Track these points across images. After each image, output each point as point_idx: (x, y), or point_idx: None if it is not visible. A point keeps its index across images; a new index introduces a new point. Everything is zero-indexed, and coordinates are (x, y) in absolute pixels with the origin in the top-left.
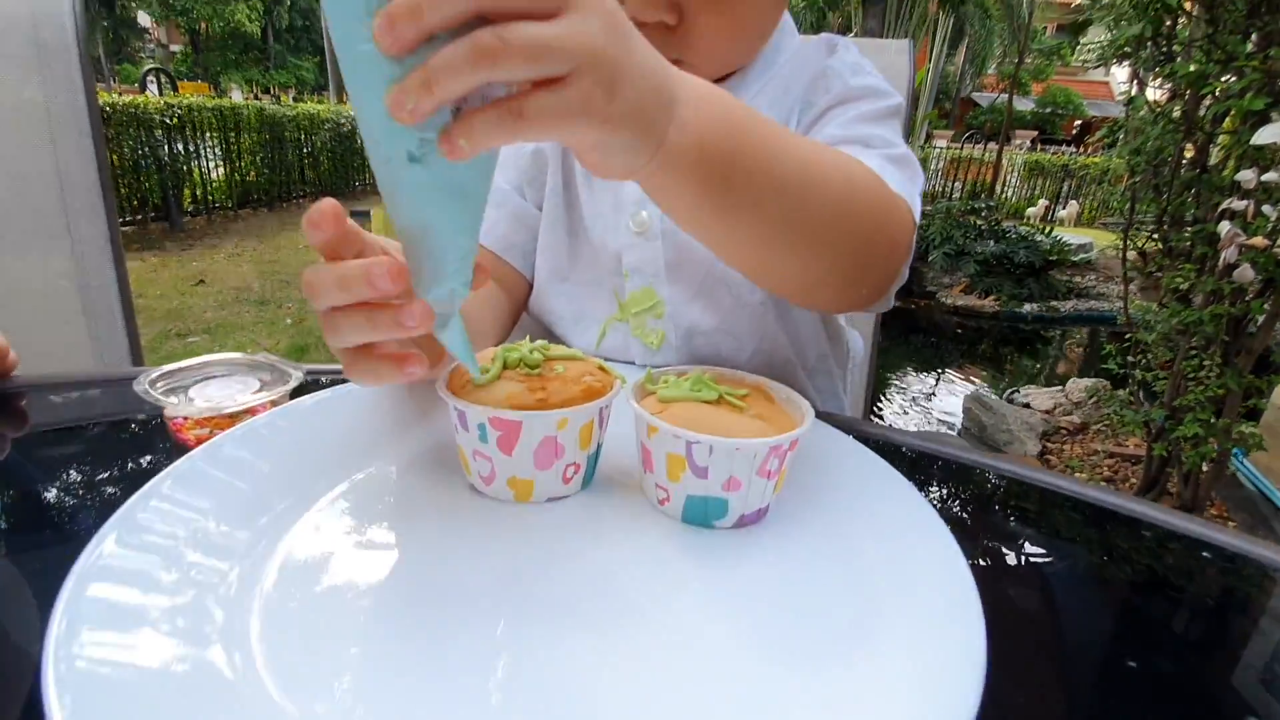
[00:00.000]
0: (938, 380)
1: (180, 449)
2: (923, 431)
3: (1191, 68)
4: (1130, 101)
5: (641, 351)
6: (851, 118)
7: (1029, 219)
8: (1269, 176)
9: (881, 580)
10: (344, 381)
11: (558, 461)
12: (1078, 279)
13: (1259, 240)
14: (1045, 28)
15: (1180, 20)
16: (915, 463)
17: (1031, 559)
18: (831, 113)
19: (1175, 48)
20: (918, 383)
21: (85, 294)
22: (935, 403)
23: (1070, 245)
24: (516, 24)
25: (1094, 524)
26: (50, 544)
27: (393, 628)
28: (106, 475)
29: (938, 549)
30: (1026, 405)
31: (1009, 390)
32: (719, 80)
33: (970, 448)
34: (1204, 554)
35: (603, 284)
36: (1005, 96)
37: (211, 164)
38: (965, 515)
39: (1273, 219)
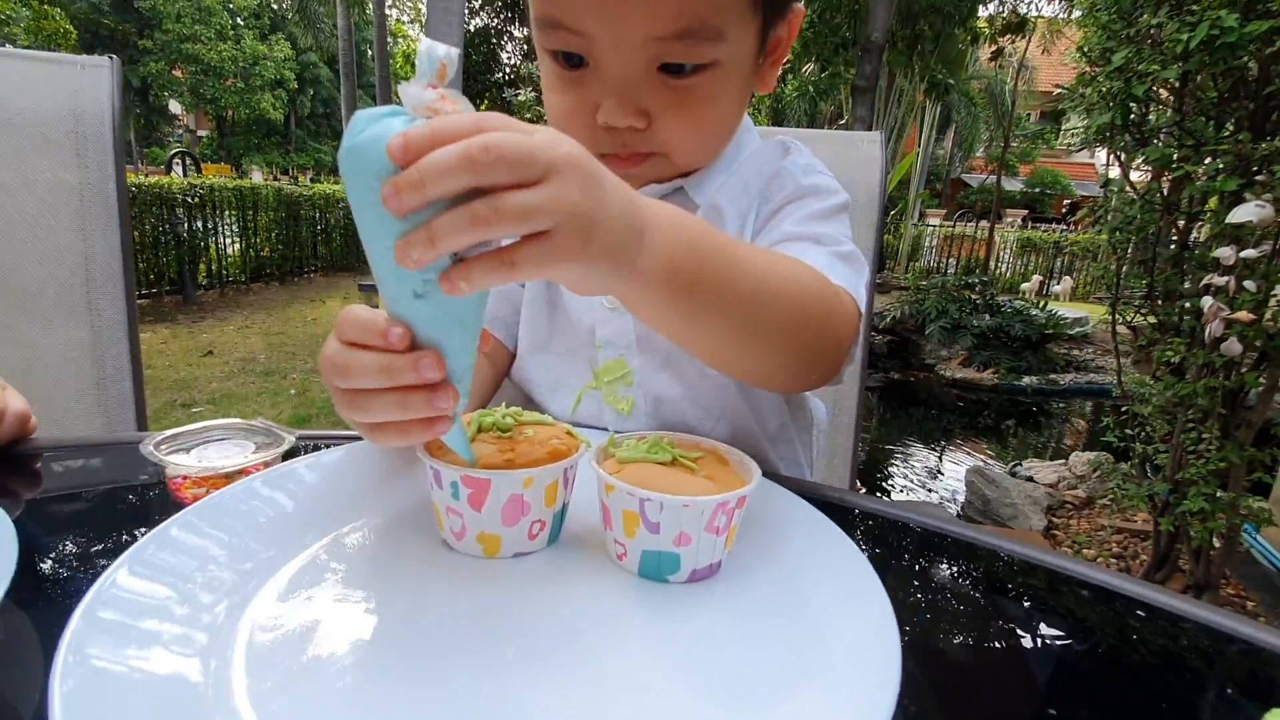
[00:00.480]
0: (941, 454)
1: (179, 506)
2: (904, 501)
3: (1164, 152)
4: (1107, 183)
5: (613, 417)
6: (804, 215)
7: (1024, 294)
8: (1248, 253)
9: (812, 631)
10: (333, 445)
11: (524, 518)
12: (1075, 352)
13: (1244, 315)
14: (1029, 114)
15: (1152, 107)
16: (887, 529)
17: (982, 624)
18: (786, 209)
19: (1148, 133)
20: (919, 456)
21: (99, 366)
22: (939, 478)
23: (1065, 319)
24: (506, 194)
25: (1048, 590)
26: (60, 587)
27: (364, 669)
28: (112, 529)
29: (869, 606)
30: (1030, 479)
31: (1012, 464)
32: (687, 174)
33: (942, 515)
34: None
35: (578, 354)
36: (994, 178)
37: (228, 240)
38: (915, 578)
39: (1255, 293)
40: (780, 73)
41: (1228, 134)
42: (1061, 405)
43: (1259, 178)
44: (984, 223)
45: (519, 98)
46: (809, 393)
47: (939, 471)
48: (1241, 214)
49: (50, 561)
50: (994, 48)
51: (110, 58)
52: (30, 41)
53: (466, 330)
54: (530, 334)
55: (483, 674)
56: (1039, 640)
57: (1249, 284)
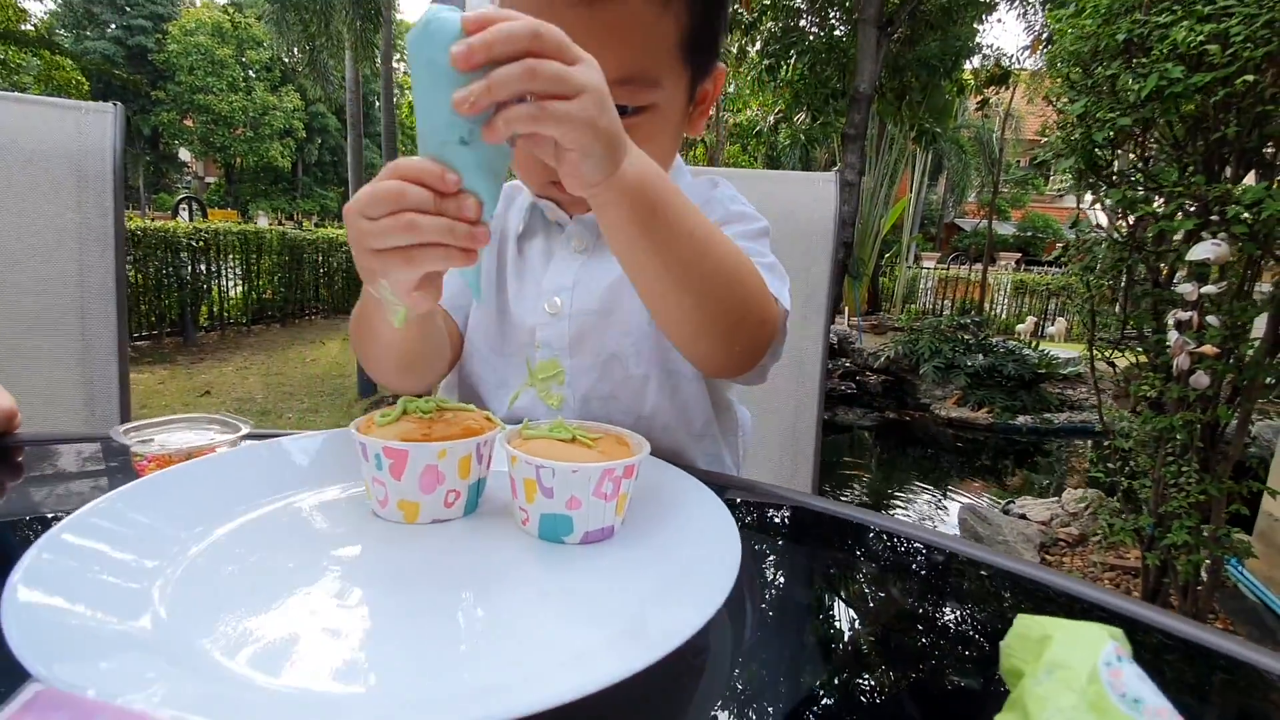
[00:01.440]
0: (942, 493)
1: None
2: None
3: (1125, 194)
4: (1075, 224)
5: (544, 411)
6: (732, 234)
7: (1018, 335)
8: (1208, 289)
9: (672, 571)
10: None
11: (440, 487)
12: (1069, 392)
13: (1209, 349)
14: (1018, 160)
15: (1116, 151)
16: (831, 526)
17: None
18: (727, 228)
19: (1114, 175)
20: (915, 494)
21: (87, 390)
22: (934, 516)
23: (1059, 359)
24: (550, 61)
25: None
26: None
27: (289, 616)
28: (80, 498)
29: (723, 550)
30: (1023, 516)
31: (1005, 501)
32: None
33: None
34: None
35: (520, 355)
36: (986, 222)
37: (231, 282)
38: (830, 562)
39: (1219, 328)
40: (773, 122)
41: (1185, 176)
42: (1056, 444)
43: (1214, 217)
44: (978, 265)
45: None
46: (733, 397)
47: (937, 509)
48: (1199, 252)
49: (21, 536)
50: (980, 98)
51: (115, 104)
52: (40, 90)
53: (495, 182)
54: (480, 337)
55: (397, 618)
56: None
57: (1212, 319)
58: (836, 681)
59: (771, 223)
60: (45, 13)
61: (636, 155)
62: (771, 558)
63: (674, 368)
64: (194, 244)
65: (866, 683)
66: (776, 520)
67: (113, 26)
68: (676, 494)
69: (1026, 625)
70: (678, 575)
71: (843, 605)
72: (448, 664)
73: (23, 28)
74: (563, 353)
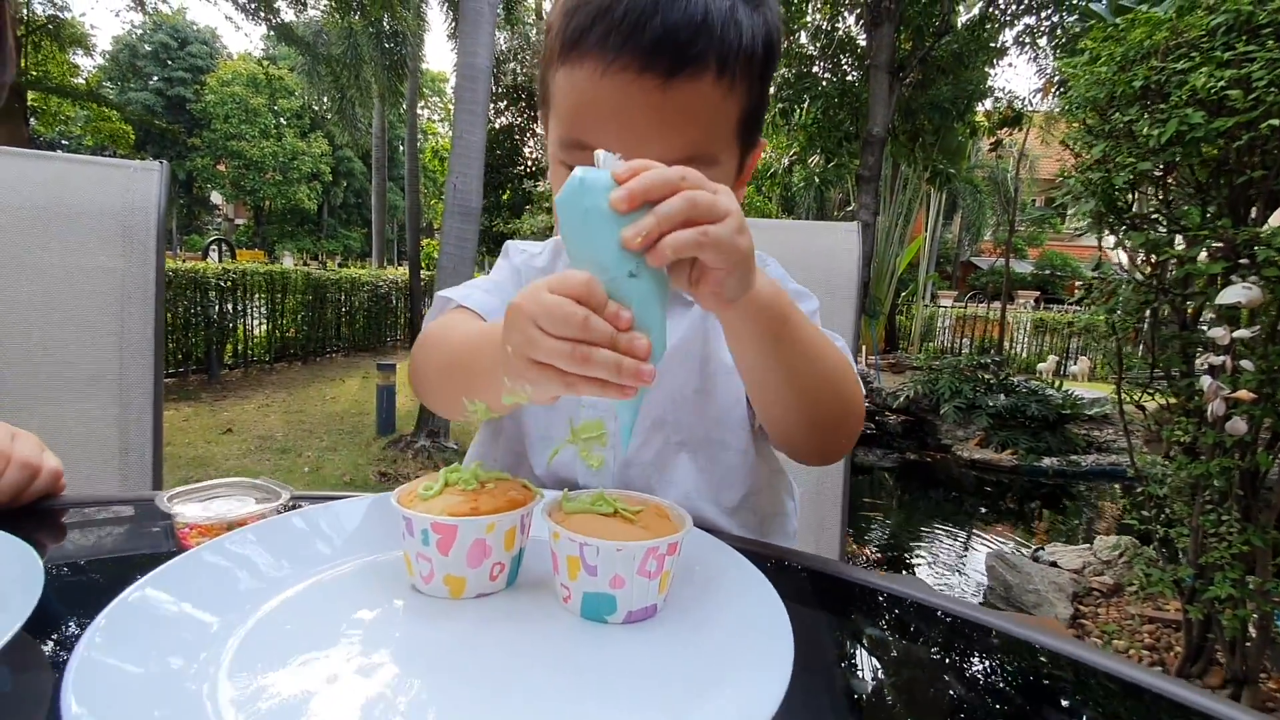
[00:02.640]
0: (966, 538)
1: (183, 551)
2: (890, 574)
3: (1149, 237)
4: (1098, 265)
5: (584, 471)
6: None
7: (1040, 374)
8: (1240, 333)
9: (717, 661)
10: (325, 501)
11: (486, 561)
12: (1096, 433)
13: (1244, 394)
14: (1033, 199)
15: (1136, 194)
16: (879, 599)
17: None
18: None
19: (1136, 218)
20: (940, 539)
21: (123, 435)
22: (959, 562)
23: (1083, 400)
24: (702, 191)
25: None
26: (74, 621)
27: (337, 692)
28: (125, 570)
29: (773, 637)
30: (1054, 564)
31: (1035, 548)
32: None
33: (926, 588)
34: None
35: (563, 409)
36: (1003, 260)
37: (256, 321)
38: (861, 640)
39: (1254, 372)
40: (788, 164)
41: (1209, 218)
42: (1084, 488)
43: (1243, 260)
44: (996, 303)
45: (539, 189)
46: (787, 471)
47: (963, 556)
48: (1230, 296)
49: (67, 600)
50: (993, 140)
51: (161, 162)
52: (92, 141)
53: (664, 312)
54: None
55: (443, 697)
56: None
57: (1246, 363)
58: None
59: (798, 272)
60: (94, 67)
61: (762, 277)
62: (817, 638)
63: (718, 437)
64: (222, 284)
65: None
66: (821, 596)
67: (155, 78)
68: (719, 569)
69: None
70: (725, 665)
71: (899, 697)
72: None
73: (74, 81)
74: (607, 414)
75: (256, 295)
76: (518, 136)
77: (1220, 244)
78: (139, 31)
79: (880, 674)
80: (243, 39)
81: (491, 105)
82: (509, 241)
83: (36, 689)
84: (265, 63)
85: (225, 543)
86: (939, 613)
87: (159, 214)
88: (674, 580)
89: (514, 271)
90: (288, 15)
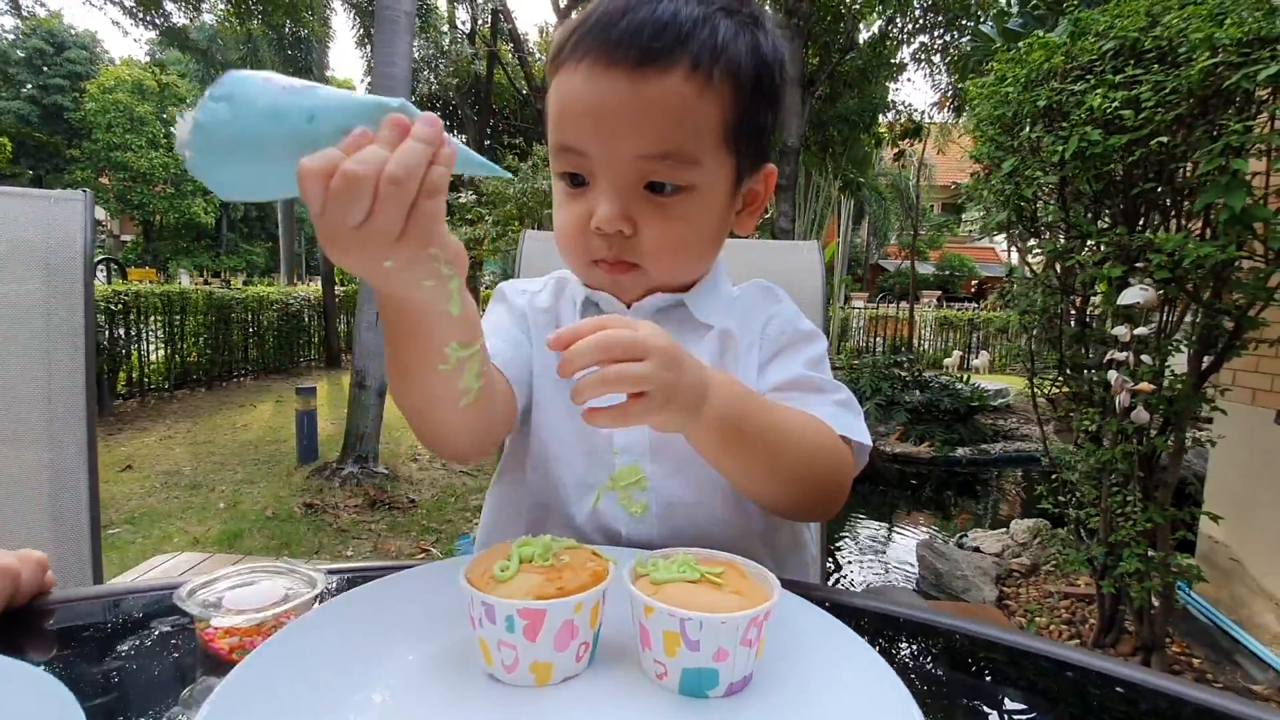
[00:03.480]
0: (890, 530)
1: (208, 656)
2: (871, 589)
3: (1055, 244)
4: (1011, 271)
5: (626, 519)
6: (806, 360)
7: (946, 369)
8: (1139, 331)
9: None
10: (355, 578)
11: (573, 642)
12: (1000, 422)
13: (1145, 385)
14: (932, 205)
15: (1040, 204)
16: (864, 619)
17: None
18: (790, 350)
19: (1040, 226)
20: (871, 532)
21: (55, 492)
22: (891, 552)
23: (988, 391)
24: (621, 365)
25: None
26: None
27: None
28: (150, 684)
29: (894, 706)
30: (977, 549)
31: (959, 535)
32: (684, 289)
33: (914, 600)
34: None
35: (596, 457)
36: (908, 263)
37: (152, 346)
38: (913, 670)
39: (1151, 365)
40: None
41: (1106, 227)
42: (995, 474)
43: (1139, 265)
44: (904, 304)
45: (460, 200)
46: None
47: (890, 547)
48: (1129, 297)
49: None
50: (895, 150)
51: (85, 191)
52: None
53: None
54: (553, 438)
55: None
56: None
57: (1146, 358)
58: None
59: None
60: None
61: (718, 386)
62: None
63: None
64: (112, 307)
65: None
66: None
67: (29, 86)
68: (798, 626)
69: None
70: None
71: None
72: None
73: None
74: (643, 457)
75: (153, 318)
76: None
77: (1118, 249)
78: (10, 37)
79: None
80: (129, 44)
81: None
82: (501, 285)
83: None
84: (154, 69)
85: (270, 650)
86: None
87: (85, 249)
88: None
89: (516, 313)
90: (180, 19)
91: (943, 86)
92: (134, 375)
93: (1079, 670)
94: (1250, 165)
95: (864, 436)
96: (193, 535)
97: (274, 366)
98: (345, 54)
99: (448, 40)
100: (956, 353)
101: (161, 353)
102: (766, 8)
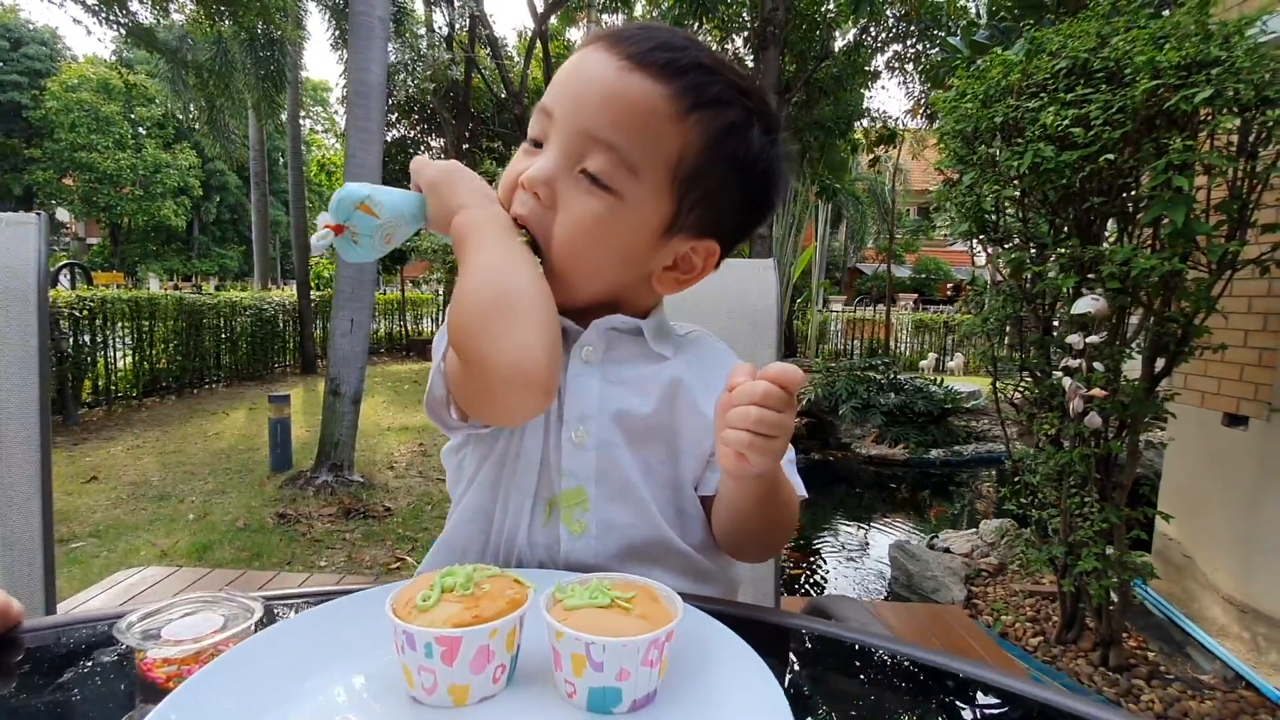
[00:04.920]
0: (866, 531)
1: (146, 685)
2: (827, 596)
3: (1016, 255)
4: (973, 280)
5: (567, 535)
6: None
7: (922, 371)
8: (1092, 339)
9: None
10: (293, 604)
11: (489, 665)
12: (973, 424)
13: (1097, 391)
14: (908, 210)
15: (1001, 215)
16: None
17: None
18: None
19: (1002, 235)
20: (846, 534)
21: (5, 519)
22: (865, 553)
23: (961, 394)
24: (771, 414)
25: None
26: None
27: None
28: (84, 712)
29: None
30: (947, 550)
31: (930, 536)
32: (641, 316)
33: (857, 614)
34: None
35: (547, 475)
36: (885, 266)
37: (119, 353)
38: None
39: (1104, 372)
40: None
41: (1063, 237)
42: (967, 475)
43: (1091, 275)
44: (881, 306)
45: None
46: None
47: (865, 548)
48: (1081, 306)
49: None
50: (871, 155)
51: (38, 214)
52: None
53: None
54: (518, 450)
55: None
56: None
57: (1098, 365)
58: None
59: (721, 309)
60: None
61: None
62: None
63: (679, 481)
64: (77, 313)
65: None
66: (809, 657)
67: None
68: (704, 642)
69: None
70: None
71: None
72: None
73: None
74: (588, 481)
75: (120, 324)
76: (411, 150)
77: (1072, 260)
78: None
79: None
80: (93, 42)
81: (385, 117)
82: None
83: None
84: (119, 68)
85: (204, 678)
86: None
87: (40, 270)
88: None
89: None
90: (145, 18)
91: (916, 94)
92: (100, 383)
93: (989, 688)
94: (1198, 180)
95: (801, 489)
96: (160, 548)
97: (248, 373)
98: (321, 55)
99: (425, 44)
100: (932, 355)
101: (129, 360)
102: (741, 38)
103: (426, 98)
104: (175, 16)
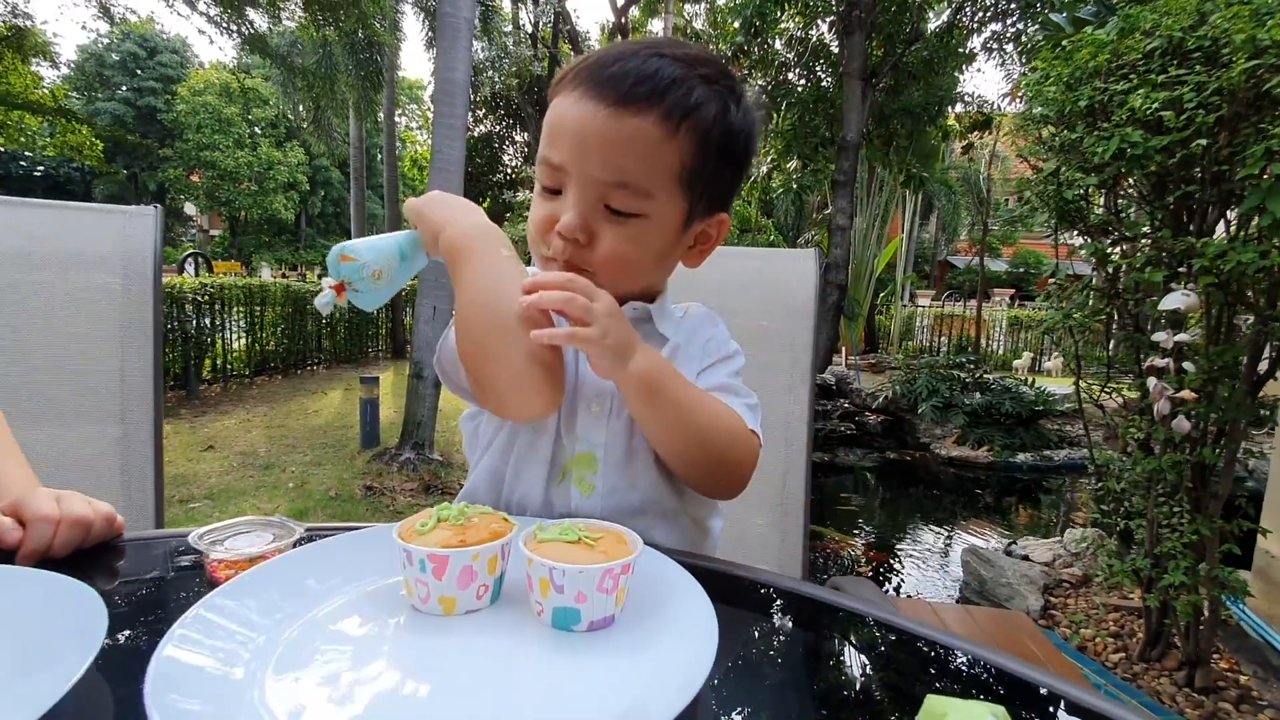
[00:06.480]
0: (942, 535)
1: (212, 582)
2: (832, 578)
3: (1098, 247)
4: (1054, 272)
5: (577, 494)
6: (729, 371)
7: (1016, 371)
8: (1181, 337)
9: (660, 658)
10: (329, 535)
11: (473, 584)
12: (1069, 428)
13: (1187, 394)
14: (1006, 199)
15: (1085, 205)
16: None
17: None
18: (720, 364)
19: (1090, 226)
20: (918, 536)
21: (126, 466)
22: (938, 557)
23: (1056, 396)
24: (578, 296)
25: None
26: (132, 644)
27: (354, 687)
28: (168, 603)
29: (705, 637)
30: (1025, 557)
31: (1008, 544)
32: (648, 301)
33: (865, 591)
34: None
35: (562, 441)
36: (978, 259)
37: (235, 335)
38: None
39: (1195, 374)
40: (766, 171)
41: (1155, 229)
42: (1058, 482)
43: (1181, 269)
44: (973, 302)
45: (517, 198)
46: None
47: (938, 551)
48: (1170, 302)
49: (122, 625)
50: (964, 143)
51: (155, 207)
52: (55, 152)
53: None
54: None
55: (439, 691)
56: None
57: (1188, 365)
58: None
59: (760, 297)
60: (59, 77)
61: (644, 353)
62: (747, 636)
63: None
64: (199, 298)
65: None
66: (753, 600)
67: (123, 88)
68: (667, 584)
69: (932, 703)
70: (667, 660)
71: (800, 677)
72: None
73: (38, 92)
74: (598, 447)
75: (235, 309)
76: (496, 145)
77: (1161, 253)
78: (106, 41)
79: (800, 671)
80: (214, 50)
81: (470, 114)
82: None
83: (109, 696)
84: (239, 73)
85: (252, 576)
86: (842, 613)
87: (155, 255)
88: (629, 594)
89: None
90: (261, 25)
91: (1015, 76)
92: (218, 363)
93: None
94: None
95: (761, 433)
96: (263, 512)
97: (344, 356)
98: (415, 55)
99: (510, 41)
100: (1028, 354)
101: (243, 342)
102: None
103: (511, 93)
104: (287, 23)
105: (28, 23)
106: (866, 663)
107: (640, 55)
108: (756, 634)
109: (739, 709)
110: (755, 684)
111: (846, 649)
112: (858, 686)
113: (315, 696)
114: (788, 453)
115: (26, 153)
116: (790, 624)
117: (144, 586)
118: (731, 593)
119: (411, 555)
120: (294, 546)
